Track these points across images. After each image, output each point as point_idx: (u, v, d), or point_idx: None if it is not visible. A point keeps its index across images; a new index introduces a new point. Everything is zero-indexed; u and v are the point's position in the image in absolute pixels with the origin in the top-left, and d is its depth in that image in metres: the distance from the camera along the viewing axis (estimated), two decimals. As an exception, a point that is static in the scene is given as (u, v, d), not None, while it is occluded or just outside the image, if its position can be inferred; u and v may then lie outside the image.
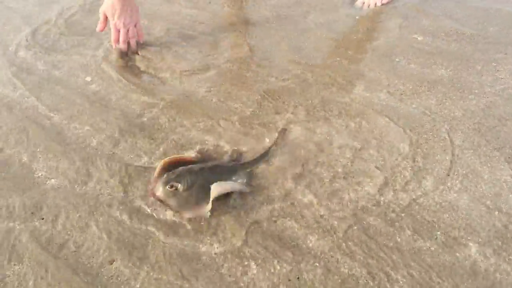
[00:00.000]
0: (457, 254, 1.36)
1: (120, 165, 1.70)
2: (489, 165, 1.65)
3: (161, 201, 1.55)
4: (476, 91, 2.02)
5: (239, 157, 1.76)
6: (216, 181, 1.58)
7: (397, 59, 2.27)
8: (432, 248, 1.38)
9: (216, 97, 2.04)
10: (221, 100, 2.03)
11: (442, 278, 1.30)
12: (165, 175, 1.59)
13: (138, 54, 2.34)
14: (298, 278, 1.32)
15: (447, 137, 1.77)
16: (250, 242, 1.41)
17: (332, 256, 1.37)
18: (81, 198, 1.58)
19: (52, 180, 1.66)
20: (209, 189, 1.54)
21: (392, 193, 1.55)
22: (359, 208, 1.50)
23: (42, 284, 1.32)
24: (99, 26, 2.28)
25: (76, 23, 2.69)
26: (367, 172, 1.63)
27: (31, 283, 1.32)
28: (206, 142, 1.80)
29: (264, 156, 1.73)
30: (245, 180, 1.64)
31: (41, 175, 1.68)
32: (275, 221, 1.48)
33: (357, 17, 2.69)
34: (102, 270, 1.36)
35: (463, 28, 2.51)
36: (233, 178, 1.65)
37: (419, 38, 2.43)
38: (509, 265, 1.33)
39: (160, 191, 1.55)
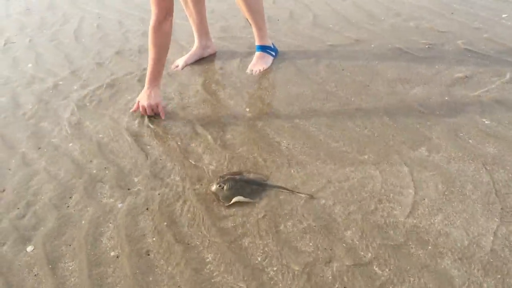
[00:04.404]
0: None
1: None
2: (469, 213, 2.33)
3: (214, 193, 2.71)
4: (508, 167, 2.66)
5: (266, 179, 2.78)
6: (246, 189, 2.67)
7: (460, 134, 3.01)
8: None
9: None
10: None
11: None
12: (218, 179, 2.76)
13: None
14: None
15: (467, 193, 2.51)
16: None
17: None
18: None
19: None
20: (241, 191, 2.65)
21: (417, 219, 2.36)
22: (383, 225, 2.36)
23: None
24: (134, 108, 3.60)
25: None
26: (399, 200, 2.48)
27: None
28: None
29: (283, 188, 2.69)
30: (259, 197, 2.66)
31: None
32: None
33: (446, 98, 3.45)
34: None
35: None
36: (253, 189, 2.70)
37: (486, 122, 3.12)
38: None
39: (214, 187, 2.73)
